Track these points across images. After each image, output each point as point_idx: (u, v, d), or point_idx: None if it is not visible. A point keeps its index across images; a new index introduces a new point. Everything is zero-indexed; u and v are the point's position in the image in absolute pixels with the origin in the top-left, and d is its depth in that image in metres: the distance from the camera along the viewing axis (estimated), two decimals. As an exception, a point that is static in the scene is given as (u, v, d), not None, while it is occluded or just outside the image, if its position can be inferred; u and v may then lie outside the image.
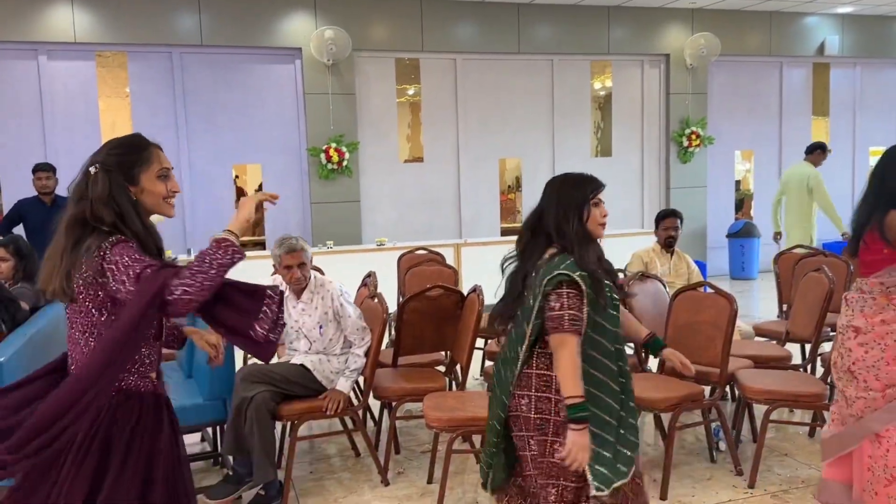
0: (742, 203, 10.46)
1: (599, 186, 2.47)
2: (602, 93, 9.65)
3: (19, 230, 5.86)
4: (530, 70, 9.15)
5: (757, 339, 4.80)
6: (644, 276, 4.42)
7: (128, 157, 1.99)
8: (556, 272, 2.28)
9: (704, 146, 9.67)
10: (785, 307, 5.12)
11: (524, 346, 2.35)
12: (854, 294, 2.67)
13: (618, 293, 2.47)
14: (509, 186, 9.63)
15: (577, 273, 2.28)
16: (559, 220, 2.40)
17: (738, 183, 10.40)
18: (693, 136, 9.54)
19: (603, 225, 2.45)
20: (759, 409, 3.89)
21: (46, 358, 3.57)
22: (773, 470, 3.71)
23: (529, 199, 9.29)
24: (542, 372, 2.35)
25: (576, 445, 2.21)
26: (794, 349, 4.59)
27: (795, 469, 3.72)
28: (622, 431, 2.37)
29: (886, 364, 2.53)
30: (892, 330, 2.54)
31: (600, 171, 9.50)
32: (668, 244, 4.95)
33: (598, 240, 2.47)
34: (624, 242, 7.09)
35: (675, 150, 9.64)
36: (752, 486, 3.50)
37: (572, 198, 2.42)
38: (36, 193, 5.93)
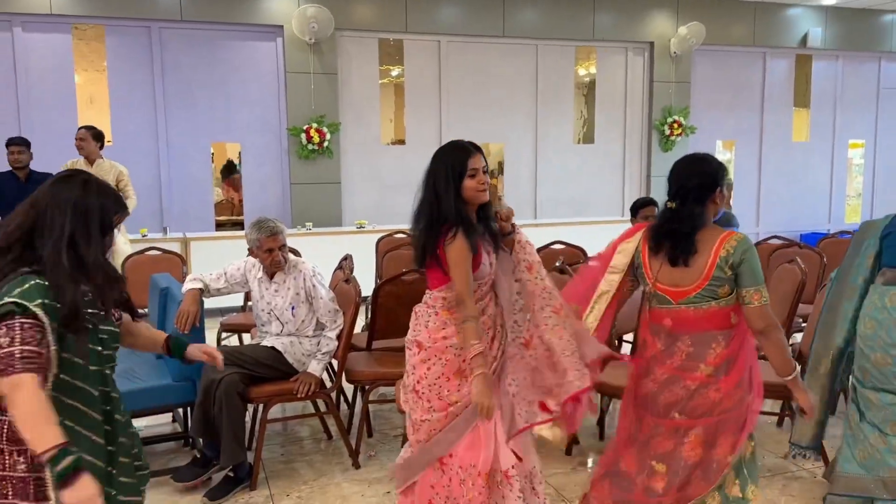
0: (722, 193, 10.50)
1: None
2: (586, 79, 9.63)
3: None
4: (514, 54, 9.09)
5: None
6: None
7: None
8: (5, 299, 1.74)
9: (686, 135, 9.69)
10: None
11: None
12: (421, 307, 2.58)
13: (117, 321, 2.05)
14: (492, 171, 9.60)
15: (37, 302, 1.75)
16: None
17: (718, 173, 10.42)
18: (675, 125, 9.55)
19: None
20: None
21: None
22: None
23: (511, 185, 9.28)
24: None
25: (86, 500, 1.69)
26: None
27: (762, 458, 3.76)
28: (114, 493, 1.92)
29: (447, 380, 2.45)
30: (452, 344, 2.45)
31: (583, 158, 9.47)
32: (645, 233, 4.94)
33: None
34: (604, 230, 7.10)
35: (657, 139, 9.66)
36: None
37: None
38: (9, 168, 5.82)
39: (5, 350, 1.71)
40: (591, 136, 9.66)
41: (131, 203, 5.96)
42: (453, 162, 2.45)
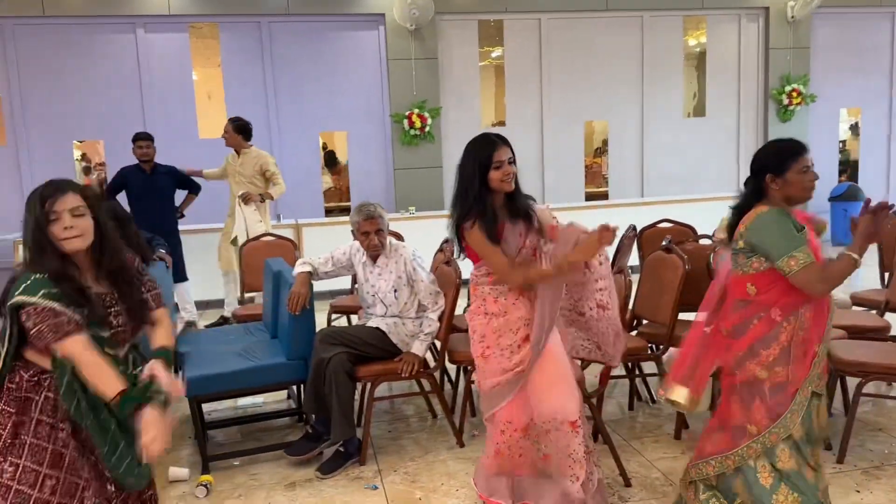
0: (846, 165, 9.82)
1: None
2: (696, 50, 9.22)
3: (122, 197, 6.22)
4: (619, 28, 8.83)
5: (854, 308, 4.53)
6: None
7: None
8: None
9: (806, 104, 9.11)
10: (887, 275, 4.80)
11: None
12: (471, 284, 2.94)
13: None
14: (596, 150, 9.40)
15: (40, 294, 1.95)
16: None
17: (842, 143, 9.75)
18: (794, 94, 8.99)
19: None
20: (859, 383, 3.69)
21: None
22: (866, 445, 3.53)
23: (616, 163, 9.05)
24: None
25: (153, 425, 1.96)
26: (894, 320, 4.31)
27: (890, 445, 3.52)
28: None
29: (486, 348, 2.90)
30: (486, 313, 2.87)
31: (693, 132, 9.12)
32: (759, 208, 4.70)
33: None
34: (716, 206, 6.81)
35: (774, 109, 9.13)
36: (840, 461, 3.35)
37: None
38: (136, 161, 6.24)
39: (48, 323, 1.93)
40: (702, 109, 9.26)
41: (278, 189, 6.30)
42: (480, 155, 2.68)
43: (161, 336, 2.25)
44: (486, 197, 2.69)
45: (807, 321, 2.40)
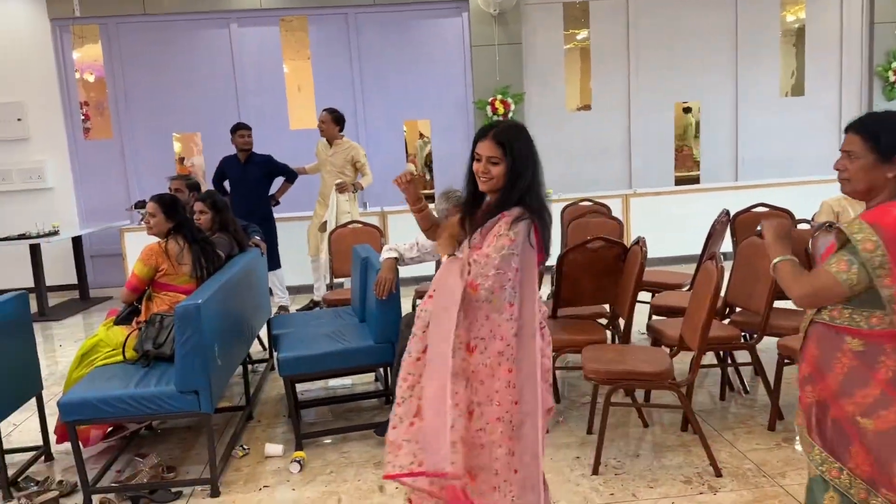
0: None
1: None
2: (794, 26, 8.78)
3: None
4: (711, 6, 8.50)
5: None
6: (833, 226, 4.03)
7: None
8: None
9: (917, 80, 8.52)
10: None
11: None
12: None
13: None
14: (682, 133, 9.11)
15: None
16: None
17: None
18: (902, 70, 8.44)
19: None
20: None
21: (236, 302, 3.97)
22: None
23: (709, 145, 8.74)
24: None
25: None
26: None
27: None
28: None
29: None
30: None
31: (791, 112, 8.71)
32: (863, 192, 4.46)
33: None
34: (815, 190, 6.49)
35: (879, 87, 8.58)
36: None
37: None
38: (235, 151, 6.51)
39: None
40: (800, 87, 8.82)
41: (367, 180, 6.49)
42: (473, 143, 2.36)
43: None
44: (470, 184, 2.40)
45: None
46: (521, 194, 2.28)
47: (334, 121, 6.36)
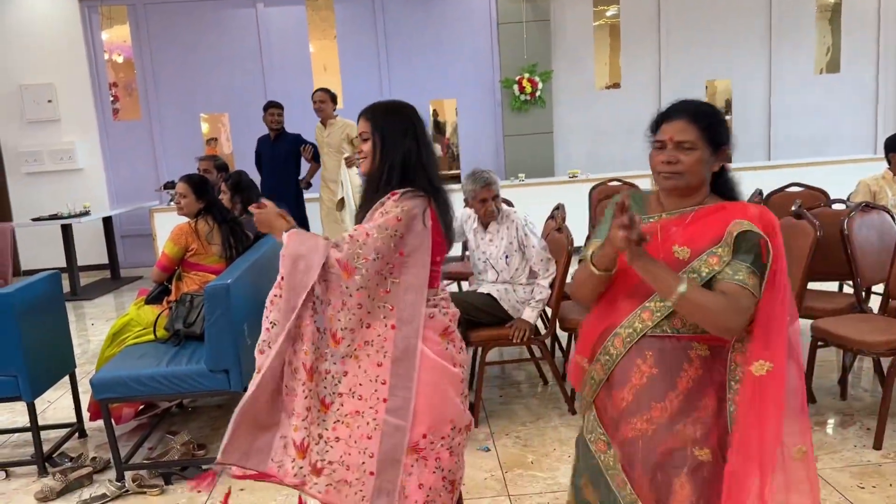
0: None
1: None
2: (830, 1, 8.52)
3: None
4: (744, -20, 8.30)
5: None
6: (869, 206, 3.93)
7: None
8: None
9: (959, 56, 8.26)
10: None
11: None
12: None
13: None
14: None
15: None
16: None
17: None
18: (945, 45, 8.18)
19: None
20: None
21: (265, 282, 3.98)
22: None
23: (741, 123, 8.56)
24: None
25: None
26: None
27: None
28: None
29: None
30: None
31: (826, 89, 8.48)
32: (901, 171, 4.35)
33: None
34: (851, 170, 6.34)
35: (920, 63, 8.34)
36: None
37: None
38: (267, 131, 6.53)
39: None
40: (835, 64, 8.59)
41: None
42: None
43: None
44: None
45: None
46: (401, 174, 2.08)
47: (333, 99, 6.33)
